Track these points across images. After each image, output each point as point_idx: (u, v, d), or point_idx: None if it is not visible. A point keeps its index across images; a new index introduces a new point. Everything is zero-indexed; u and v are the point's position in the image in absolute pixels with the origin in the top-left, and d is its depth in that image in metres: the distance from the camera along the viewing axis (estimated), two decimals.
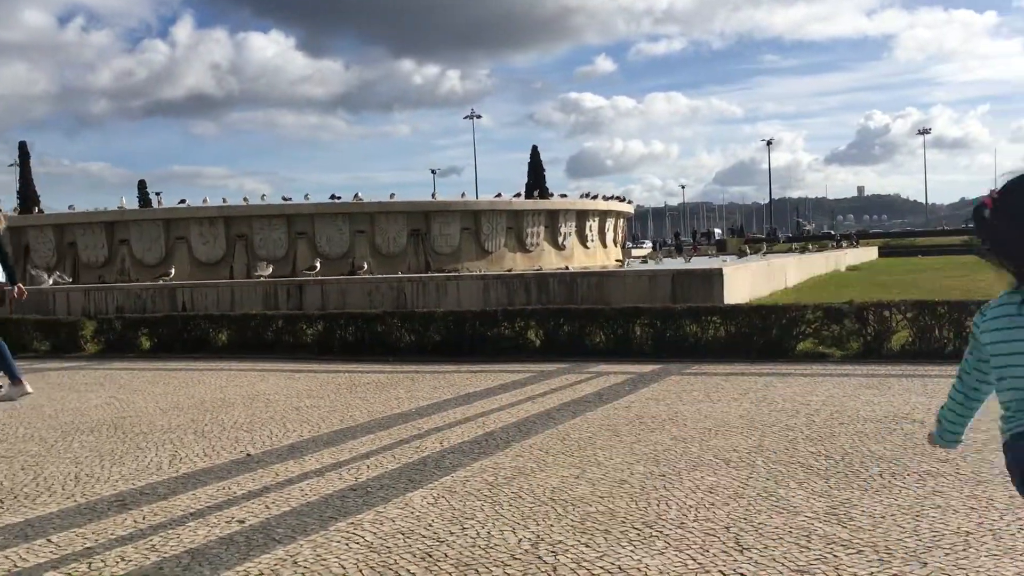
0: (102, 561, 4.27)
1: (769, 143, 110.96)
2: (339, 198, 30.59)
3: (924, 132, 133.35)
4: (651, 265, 25.95)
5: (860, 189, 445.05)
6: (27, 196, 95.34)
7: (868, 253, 45.93)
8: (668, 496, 5.11)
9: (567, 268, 24.65)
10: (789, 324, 11.33)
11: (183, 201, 30.96)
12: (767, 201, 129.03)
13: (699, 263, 24.36)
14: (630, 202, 42.00)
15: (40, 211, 40.80)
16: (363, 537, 4.53)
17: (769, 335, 11.33)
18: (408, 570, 4.05)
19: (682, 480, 5.44)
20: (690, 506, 4.89)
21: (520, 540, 4.41)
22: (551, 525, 4.63)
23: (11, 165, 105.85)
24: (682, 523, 4.60)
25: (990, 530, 4.32)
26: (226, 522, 4.84)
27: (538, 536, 4.46)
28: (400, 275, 20.82)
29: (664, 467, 5.79)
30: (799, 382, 9.10)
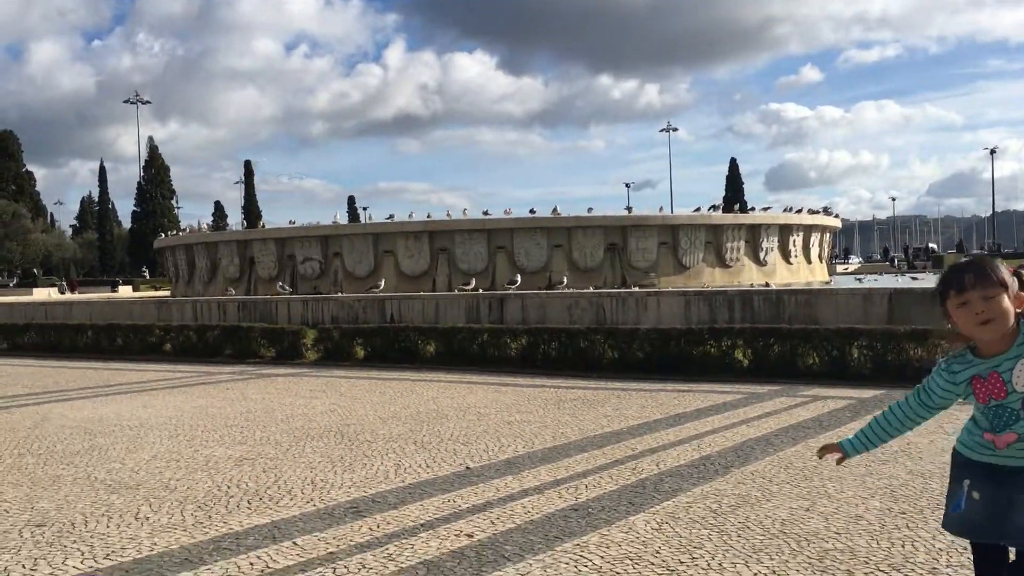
0: (345, 567, 4.47)
1: (993, 152, 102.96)
2: (535, 212, 31.05)
3: None
4: (865, 283, 24.64)
5: None
6: (251, 211, 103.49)
7: None
8: (912, 536, 4.76)
9: (767, 284, 23.82)
10: None
11: (391, 216, 32.44)
12: (989, 214, 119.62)
13: (923, 281, 22.86)
14: (836, 215, 40.15)
15: (263, 225, 43.99)
16: (591, 560, 4.50)
17: None
18: None
19: (926, 520, 5.06)
20: (940, 550, 4.53)
21: (756, 575, 4.24)
22: (786, 561, 4.42)
23: (236, 182, 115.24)
24: (934, 568, 4.27)
25: None
26: (455, 535, 4.96)
27: (774, 572, 4.27)
28: (600, 290, 20.82)
29: (903, 504, 5.41)
30: None
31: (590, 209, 31.48)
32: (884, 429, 3.17)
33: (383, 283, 25.64)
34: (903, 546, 4.61)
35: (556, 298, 18.83)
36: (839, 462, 3.32)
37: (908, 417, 3.13)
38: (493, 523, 5.19)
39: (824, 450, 3.34)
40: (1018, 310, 2.88)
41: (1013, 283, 2.89)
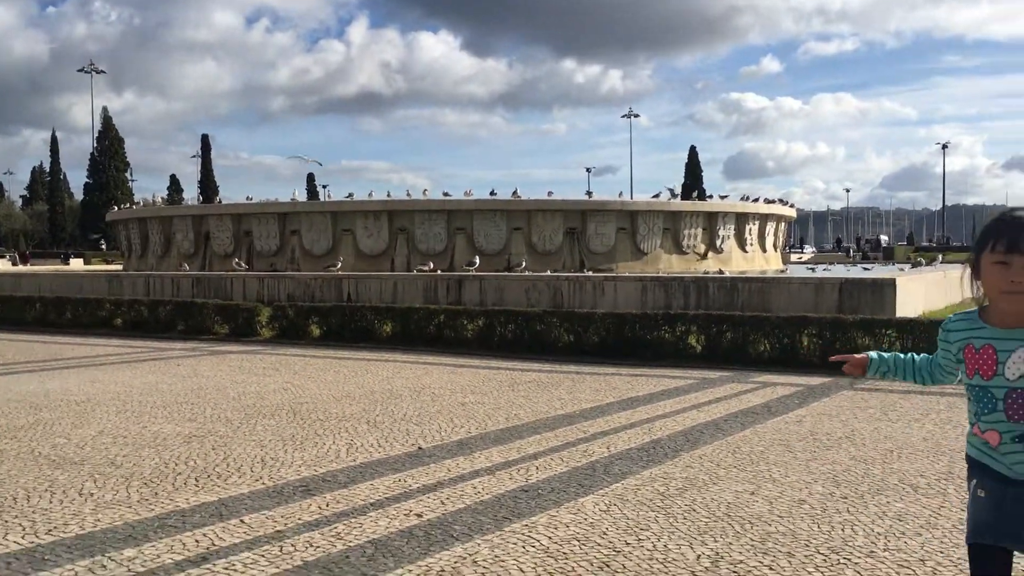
0: (292, 545, 4.46)
1: (945, 147, 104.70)
2: (495, 194, 30.98)
3: None
4: (818, 272, 25.04)
5: None
6: (207, 186, 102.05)
7: None
8: (853, 521, 4.87)
9: (721, 272, 24.10)
10: None
11: (350, 195, 32.17)
12: (939, 207, 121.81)
13: (873, 272, 23.25)
14: (792, 205, 40.60)
15: (219, 201, 43.39)
16: (539, 541, 4.54)
17: None
18: None
19: (866, 505, 5.18)
20: (878, 534, 4.65)
21: (699, 557, 4.31)
22: (730, 543, 4.50)
23: (193, 156, 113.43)
24: (871, 551, 4.37)
25: None
26: (405, 515, 4.97)
27: (717, 554, 4.35)
28: (558, 274, 20.88)
29: (845, 489, 5.53)
30: None
31: (550, 193, 31.47)
32: (899, 370, 2.85)
33: (341, 262, 25.46)
34: (843, 530, 4.72)
35: (514, 281, 18.86)
36: (857, 372, 2.89)
37: (915, 372, 2.83)
38: (443, 503, 5.21)
39: (851, 361, 2.90)
40: None
41: None
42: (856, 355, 2.90)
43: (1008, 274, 2.45)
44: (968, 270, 2.61)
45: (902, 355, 2.87)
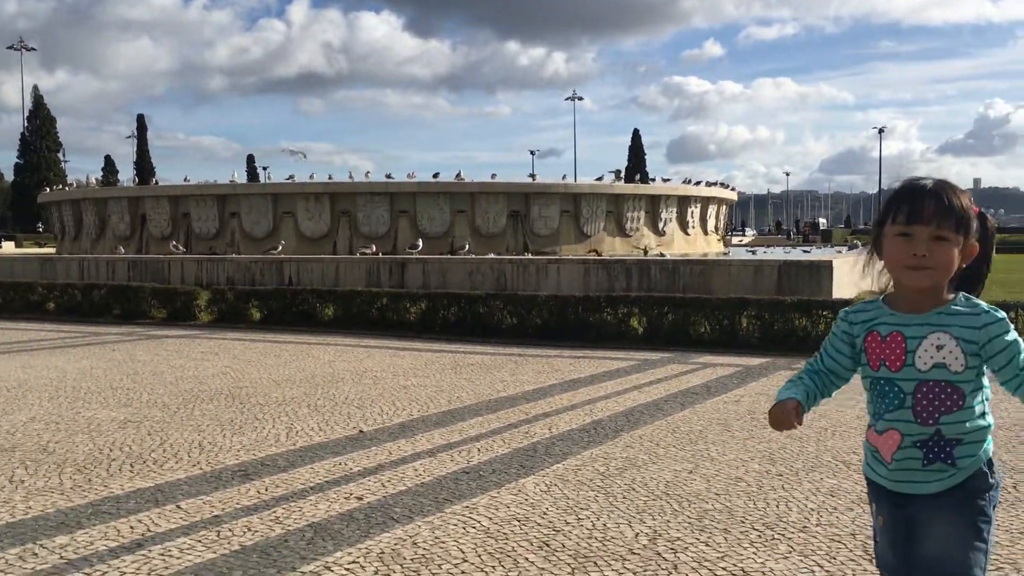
0: (229, 530, 4.41)
1: (881, 131, 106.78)
2: (439, 177, 30.83)
3: None
4: (758, 255, 25.46)
5: (976, 181, 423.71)
6: (143, 167, 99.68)
7: None
8: (787, 497, 4.98)
9: (662, 254, 24.36)
10: None
11: (291, 177, 31.72)
12: (876, 191, 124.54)
13: (811, 254, 23.70)
14: (733, 188, 41.12)
15: (156, 182, 42.46)
16: (479, 522, 4.55)
17: None
18: (527, 559, 4.06)
19: (800, 481, 5.30)
20: (811, 509, 4.76)
21: (637, 535, 4.36)
22: (668, 521, 4.57)
23: (128, 137, 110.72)
24: (804, 527, 4.48)
25: None
26: (345, 498, 4.94)
27: (655, 531, 4.41)
28: (501, 256, 20.88)
29: (780, 466, 5.65)
30: None
31: (494, 175, 31.39)
32: (813, 398, 2.49)
33: (282, 245, 25.11)
34: (778, 506, 4.82)
35: (458, 263, 18.81)
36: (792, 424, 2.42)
37: (817, 393, 2.48)
38: (383, 486, 5.19)
39: (787, 415, 2.41)
40: (963, 264, 2.24)
41: (974, 229, 2.24)
42: (786, 405, 2.41)
43: (911, 247, 2.19)
44: (871, 254, 2.34)
45: (800, 382, 2.48)
